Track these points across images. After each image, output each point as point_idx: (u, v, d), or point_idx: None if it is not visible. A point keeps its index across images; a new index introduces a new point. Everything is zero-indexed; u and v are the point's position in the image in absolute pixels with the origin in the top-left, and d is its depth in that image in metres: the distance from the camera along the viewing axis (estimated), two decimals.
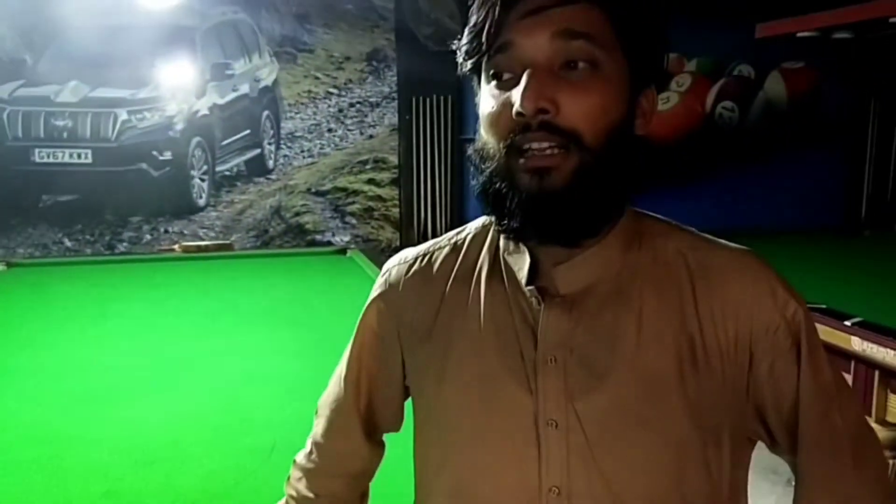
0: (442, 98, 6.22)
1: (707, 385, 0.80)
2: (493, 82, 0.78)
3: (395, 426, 1.03)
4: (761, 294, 0.81)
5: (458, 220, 6.48)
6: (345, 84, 6.24)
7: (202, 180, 6.02)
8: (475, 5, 0.79)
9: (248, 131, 6.10)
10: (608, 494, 0.80)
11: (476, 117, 0.82)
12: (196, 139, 5.90)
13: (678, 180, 6.54)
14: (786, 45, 6.48)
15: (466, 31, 0.80)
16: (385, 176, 6.39)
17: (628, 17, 0.77)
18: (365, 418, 1.01)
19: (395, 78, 6.27)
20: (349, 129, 6.29)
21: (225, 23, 5.96)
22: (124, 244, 5.93)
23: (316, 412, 1.06)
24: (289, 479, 1.07)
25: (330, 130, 6.27)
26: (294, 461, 1.07)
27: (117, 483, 1.94)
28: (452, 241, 0.94)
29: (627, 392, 0.80)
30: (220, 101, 5.98)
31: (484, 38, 0.77)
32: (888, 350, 2.62)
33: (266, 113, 6.11)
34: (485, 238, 0.91)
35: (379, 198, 6.39)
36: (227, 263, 4.80)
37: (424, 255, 0.94)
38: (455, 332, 0.87)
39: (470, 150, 0.84)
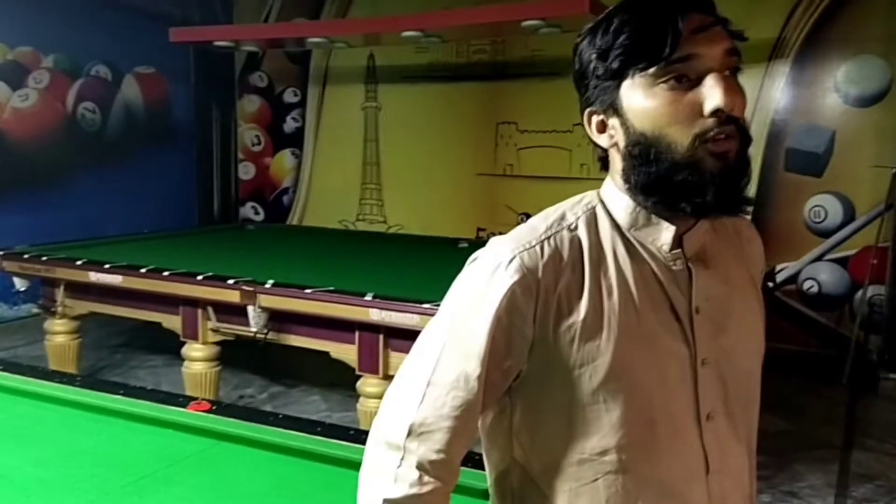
0: None
1: (761, 309, 1.12)
2: (667, 85, 0.92)
3: None
4: (762, 250, 1.18)
5: None
6: None
7: None
8: (629, 16, 0.94)
9: None
10: (734, 409, 1.04)
11: None
12: None
13: (43, 183, 6.04)
14: (138, 50, 6.66)
15: (623, 37, 0.93)
16: None
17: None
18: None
19: None
20: None
21: None
22: None
23: (409, 433, 0.98)
24: None
25: None
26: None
27: None
28: (563, 225, 1.00)
29: (745, 325, 1.06)
30: None
31: (668, 49, 0.91)
32: (408, 314, 3.10)
33: None
34: (595, 221, 1.01)
35: None
36: None
37: (545, 241, 0.98)
38: (610, 303, 0.97)
39: (630, 149, 0.96)
